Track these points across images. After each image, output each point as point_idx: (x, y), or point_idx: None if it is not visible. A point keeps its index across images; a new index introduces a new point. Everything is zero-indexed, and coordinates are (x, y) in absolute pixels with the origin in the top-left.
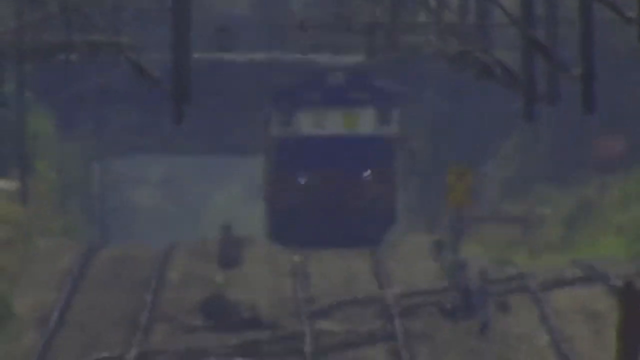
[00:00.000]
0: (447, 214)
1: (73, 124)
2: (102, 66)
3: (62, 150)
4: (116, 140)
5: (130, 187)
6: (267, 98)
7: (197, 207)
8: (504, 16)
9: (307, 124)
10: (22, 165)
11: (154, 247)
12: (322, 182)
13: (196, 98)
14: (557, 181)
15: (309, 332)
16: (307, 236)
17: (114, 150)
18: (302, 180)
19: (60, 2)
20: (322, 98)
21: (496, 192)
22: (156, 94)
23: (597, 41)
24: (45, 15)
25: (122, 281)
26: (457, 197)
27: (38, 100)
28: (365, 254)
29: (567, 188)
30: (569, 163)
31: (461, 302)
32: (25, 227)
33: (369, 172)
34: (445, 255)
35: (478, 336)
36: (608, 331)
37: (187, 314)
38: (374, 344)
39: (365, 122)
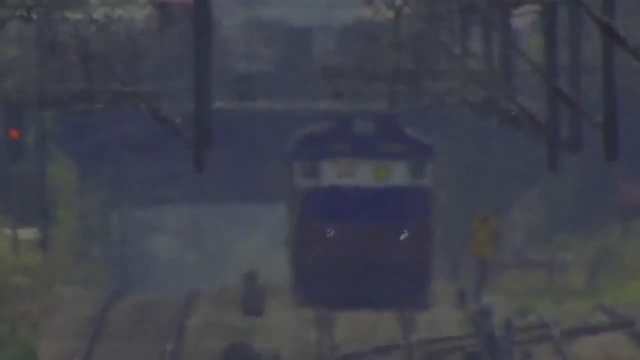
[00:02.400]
0: (471, 260)
1: (94, 173)
2: (124, 115)
3: (82, 200)
4: (137, 190)
5: (151, 237)
6: (291, 146)
7: (220, 256)
8: (527, 64)
9: (333, 174)
10: (43, 214)
11: (175, 296)
12: (351, 236)
13: (218, 147)
14: (581, 227)
15: None
16: (334, 295)
17: (135, 199)
18: (330, 234)
19: (81, 51)
20: (350, 148)
21: (521, 239)
22: (177, 143)
23: (620, 87)
24: (67, 65)
25: (144, 330)
26: (479, 246)
27: (59, 149)
28: None
29: (591, 234)
30: (593, 209)
31: (486, 349)
32: (46, 275)
33: (405, 232)
34: (469, 303)
35: None
36: None
37: None
38: None
39: (398, 174)
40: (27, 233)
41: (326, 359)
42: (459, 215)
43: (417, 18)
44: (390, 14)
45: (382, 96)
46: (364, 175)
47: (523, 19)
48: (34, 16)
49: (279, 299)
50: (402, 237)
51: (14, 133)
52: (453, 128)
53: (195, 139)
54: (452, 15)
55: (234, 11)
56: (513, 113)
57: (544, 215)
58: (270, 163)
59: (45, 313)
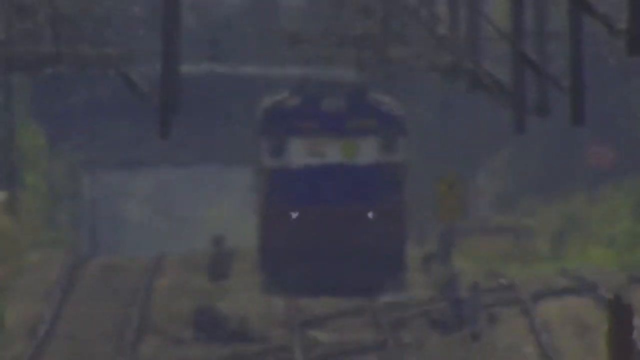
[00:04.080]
0: (439, 225)
1: (63, 137)
2: (92, 78)
3: (51, 163)
4: (106, 153)
5: (120, 200)
6: (258, 120)
7: (189, 220)
8: (494, 30)
9: (300, 153)
10: (11, 178)
11: (143, 259)
12: (318, 219)
13: (187, 111)
14: (547, 193)
15: (298, 343)
16: (301, 282)
17: (104, 163)
18: (294, 216)
19: (49, 13)
20: (318, 125)
21: (487, 204)
22: (146, 107)
23: (587, 52)
24: (35, 27)
25: (112, 292)
26: (448, 211)
27: (27, 112)
28: None
29: (557, 200)
30: (559, 175)
31: (452, 314)
32: (14, 239)
33: (371, 213)
34: (436, 268)
35: (468, 347)
36: (597, 343)
37: (176, 325)
38: (365, 354)
39: (368, 151)
40: None
41: (292, 322)
42: (425, 180)
43: None
44: None
45: (350, 62)
46: (332, 153)
47: None
48: None
49: (246, 263)
50: (370, 215)
51: None
52: (418, 94)
53: (161, 104)
54: None
55: None
56: (480, 78)
57: (510, 181)
58: (239, 126)
59: (13, 276)
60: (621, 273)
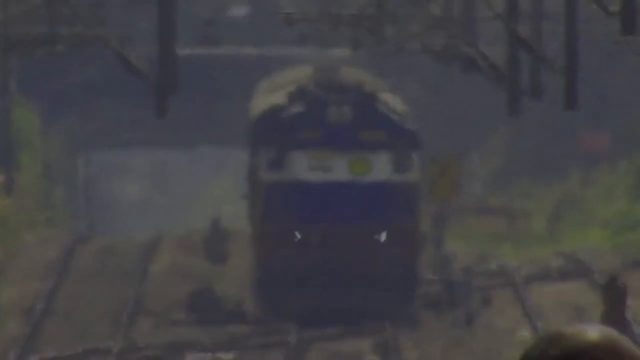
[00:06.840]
0: (432, 205)
1: (58, 117)
2: (87, 58)
3: (46, 143)
4: (102, 133)
5: (116, 180)
6: (252, 129)
7: (185, 200)
8: (489, 10)
9: (303, 167)
10: (6, 158)
11: (140, 240)
12: (323, 240)
13: (184, 91)
14: (541, 175)
15: (294, 326)
16: (303, 309)
17: (100, 143)
18: (297, 237)
19: None
20: (324, 137)
21: (481, 185)
22: (142, 87)
23: (581, 35)
24: (31, 7)
25: (108, 273)
26: (441, 191)
27: (23, 92)
28: None
29: (552, 182)
30: (553, 157)
31: (446, 295)
32: (10, 219)
33: (384, 234)
34: (430, 249)
35: (462, 329)
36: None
37: (172, 307)
38: (360, 335)
39: (379, 168)
40: None
41: None
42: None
43: None
44: None
45: (346, 42)
46: (338, 168)
47: None
48: None
49: (243, 245)
50: (382, 237)
51: None
52: (412, 74)
53: (158, 84)
54: None
55: None
56: (474, 59)
57: (504, 162)
58: (236, 107)
59: (8, 257)
60: (616, 255)
